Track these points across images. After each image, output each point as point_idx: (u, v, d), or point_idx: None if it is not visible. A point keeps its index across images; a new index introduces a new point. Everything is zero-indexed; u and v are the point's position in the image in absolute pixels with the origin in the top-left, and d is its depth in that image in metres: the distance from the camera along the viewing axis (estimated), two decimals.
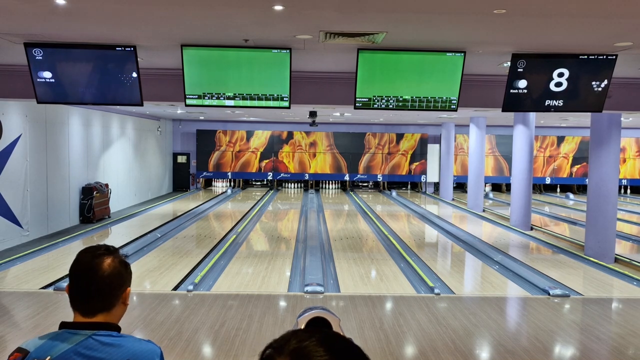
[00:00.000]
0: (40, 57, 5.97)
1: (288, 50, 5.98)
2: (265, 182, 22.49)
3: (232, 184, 22.31)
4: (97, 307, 1.57)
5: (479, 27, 5.03)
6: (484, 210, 16.02)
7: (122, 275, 1.61)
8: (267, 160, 21.81)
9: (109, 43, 5.92)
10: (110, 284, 1.58)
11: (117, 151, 15.53)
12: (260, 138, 21.73)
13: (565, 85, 6.20)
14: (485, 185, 20.87)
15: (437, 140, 21.64)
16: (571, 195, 21.12)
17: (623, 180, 21.98)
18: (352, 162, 21.86)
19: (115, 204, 14.67)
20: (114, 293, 1.59)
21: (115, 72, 6.09)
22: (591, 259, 9.32)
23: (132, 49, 5.94)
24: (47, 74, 6.07)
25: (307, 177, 22.00)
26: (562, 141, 22.08)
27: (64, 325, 1.55)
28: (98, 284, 1.56)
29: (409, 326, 5.43)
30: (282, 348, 0.92)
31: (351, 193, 20.88)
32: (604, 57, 6.04)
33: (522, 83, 6.18)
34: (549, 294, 6.75)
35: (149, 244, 10.19)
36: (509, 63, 6.12)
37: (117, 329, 1.58)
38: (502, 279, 8.17)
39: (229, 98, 6.25)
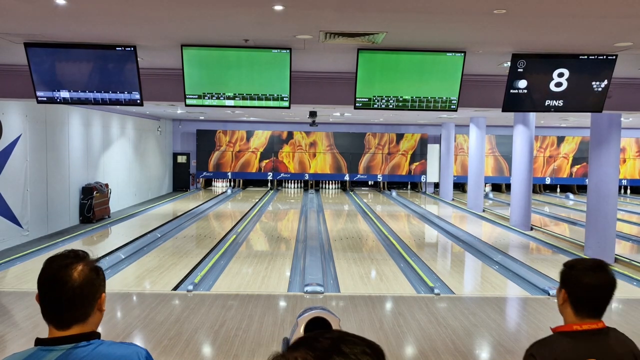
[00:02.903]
0: (40, 57, 5.97)
1: (288, 50, 5.98)
2: (266, 179, 22.49)
3: (232, 184, 22.31)
4: (70, 320, 1.48)
5: (479, 27, 5.03)
6: (483, 211, 16.02)
7: (94, 283, 1.52)
8: (267, 160, 21.80)
9: (109, 43, 5.92)
10: (82, 294, 1.48)
11: (117, 151, 15.52)
12: (260, 138, 21.73)
13: (565, 85, 6.20)
14: (485, 185, 20.86)
15: (437, 140, 21.64)
16: (571, 196, 21.11)
17: (623, 180, 21.98)
18: (352, 162, 21.85)
19: (115, 204, 14.67)
20: (88, 303, 1.50)
21: (115, 72, 6.09)
22: None
23: (132, 49, 5.94)
24: (47, 74, 6.07)
25: (307, 177, 21.99)
26: (562, 141, 22.08)
27: (38, 341, 1.47)
28: (69, 295, 1.46)
29: (408, 326, 5.43)
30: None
31: (351, 193, 20.88)
32: (604, 57, 6.04)
33: (522, 83, 6.18)
34: (548, 294, 6.75)
35: (149, 244, 10.19)
36: (509, 63, 6.12)
37: (95, 336, 1.51)
38: (502, 279, 8.17)
39: (229, 98, 6.25)
